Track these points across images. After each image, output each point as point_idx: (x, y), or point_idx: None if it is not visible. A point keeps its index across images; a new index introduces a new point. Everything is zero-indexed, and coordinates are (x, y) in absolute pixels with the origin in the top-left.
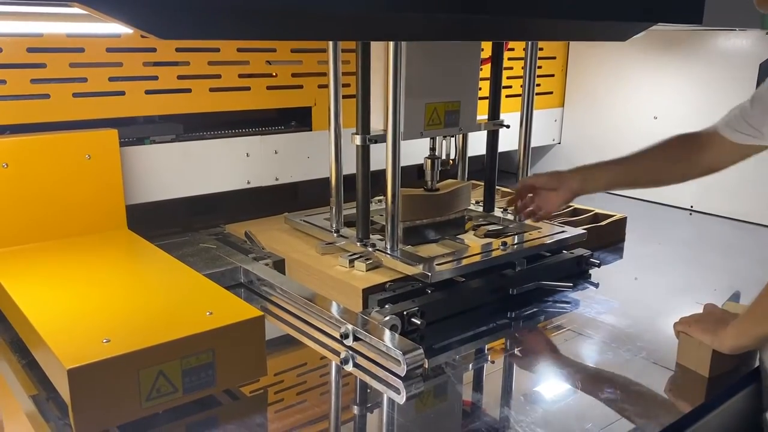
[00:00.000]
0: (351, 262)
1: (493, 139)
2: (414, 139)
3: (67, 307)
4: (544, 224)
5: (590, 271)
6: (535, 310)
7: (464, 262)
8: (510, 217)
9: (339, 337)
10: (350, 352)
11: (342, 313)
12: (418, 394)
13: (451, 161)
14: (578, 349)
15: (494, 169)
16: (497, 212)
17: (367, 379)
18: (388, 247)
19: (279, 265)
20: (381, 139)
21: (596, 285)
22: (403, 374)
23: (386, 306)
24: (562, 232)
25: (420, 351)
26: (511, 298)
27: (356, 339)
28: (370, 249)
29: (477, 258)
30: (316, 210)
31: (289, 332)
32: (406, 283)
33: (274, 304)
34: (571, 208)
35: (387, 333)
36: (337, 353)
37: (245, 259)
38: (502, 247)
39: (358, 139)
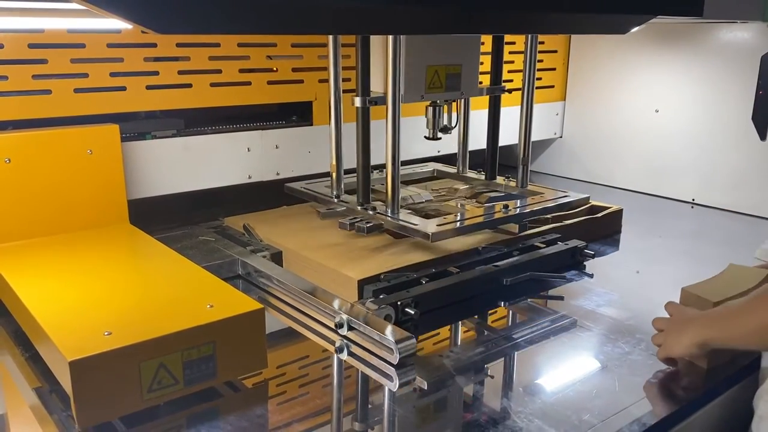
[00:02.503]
0: (351, 225)
1: (495, 105)
2: (414, 101)
3: (69, 301)
4: (547, 189)
5: (593, 264)
6: (531, 301)
7: (466, 222)
8: (512, 184)
9: (334, 327)
10: (345, 341)
11: (337, 303)
12: (410, 381)
13: (451, 127)
14: (577, 341)
15: (496, 136)
16: (499, 180)
17: (361, 367)
18: (389, 211)
19: (277, 257)
20: (381, 101)
21: (591, 276)
22: (395, 362)
23: (381, 296)
24: (565, 196)
25: (413, 340)
26: (505, 289)
27: (351, 328)
28: (371, 212)
29: (479, 219)
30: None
31: (286, 321)
32: (400, 274)
33: (271, 295)
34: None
35: (380, 322)
36: (333, 342)
37: (243, 251)
38: (503, 210)
39: (358, 101)
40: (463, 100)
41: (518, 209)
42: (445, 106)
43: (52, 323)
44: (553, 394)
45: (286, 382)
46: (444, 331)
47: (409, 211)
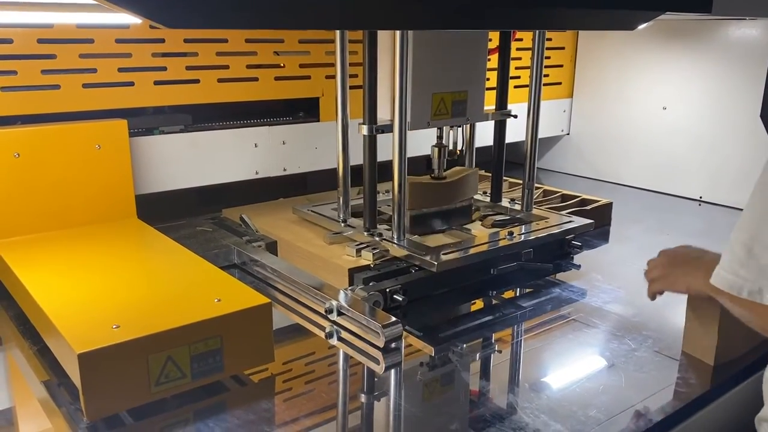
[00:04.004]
0: (358, 251)
1: (500, 130)
2: (421, 129)
3: (77, 294)
4: (552, 214)
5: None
6: (538, 298)
7: (471, 251)
8: (517, 207)
9: (324, 313)
10: (335, 326)
11: (328, 290)
12: (396, 364)
13: (458, 151)
14: (583, 338)
15: (502, 159)
16: (504, 202)
17: (350, 351)
18: (395, 237)
19: (271, 247)
20: (388, 129)
21: (578, 266)
22: (382, 345)
23: (370, 284)
24: (570, 221)
25: (399, 325)
26: (493, 278)
27: (340, 314)
28: (377, 239)
29: (484, 248)
30: (323, 198)
31: (279, 309)
32: (390, 263)
33: (265, 284)
34: (560, 194)
35: (368, 308)
36: (323, 328)
37: (239, 241)
38: (508, 237)
39: (365, 129)
40: (468, 124)
41: (522, 236)
42: (451, 132)
43: (60, 316)
44: (560, 391)
45: (292, 378)
46: (450, 327)
47: (415, 236)
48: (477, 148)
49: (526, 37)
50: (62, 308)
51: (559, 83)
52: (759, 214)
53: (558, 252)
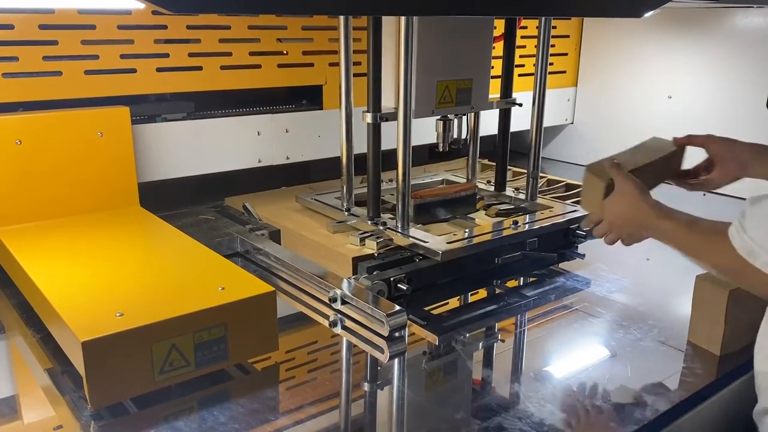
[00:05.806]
0: (362, 240)
1: (505, 118)
2: (425, 117)
3: (80, 282)
4: (556, 203)
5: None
6: (544, 287)
7: (475, 240)
8: (522, 196)
9: (328, 301)
10: (338, 315)
11: (331, 278)
12: (400, 353)
13: (462, 140)
14: (588, 327)
15: (506, 148)
16: (509, 191)
17: (354, 339)
18: (399, 226)
19: (275, 236)
20: (392, 117)
21: (582, 255)
22: (386, 334)
23: (374, 273)
24: (574, 211)
25: (403, 314)
26: (497, 268)
27: (344, 303)
28: (381, 228)
29: (488, 237)
30: (326, 187)
31: (283, 297)
32: (394, 252)
33: (269, 272)
34: (564, 183)
35: (372, 296)
36: (327, 317)
37: (242, 229)
38: (513, 226)
39: (369, 117)
40: (473, 113)
41: (527, 225)
42: (455, 120)
43: (64, 304)
44: (565, 380)
45: (296, 366)
46: (454, 316)
47: (419, 225)
48: (481, 137)
49: (530, 25)
50: (65, 296)
51: (564, 72)
52: None
53: (562, 241)
